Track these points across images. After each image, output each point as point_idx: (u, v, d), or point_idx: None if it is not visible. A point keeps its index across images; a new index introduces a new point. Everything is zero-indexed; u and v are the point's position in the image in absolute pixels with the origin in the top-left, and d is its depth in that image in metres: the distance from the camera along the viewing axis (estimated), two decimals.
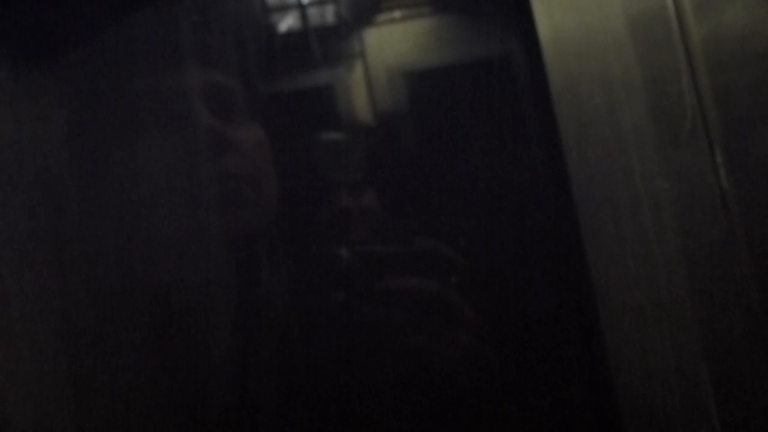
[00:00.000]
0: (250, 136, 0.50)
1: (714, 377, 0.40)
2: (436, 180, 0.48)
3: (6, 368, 0.45)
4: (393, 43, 0.53)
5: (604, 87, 0.41)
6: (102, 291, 0.47)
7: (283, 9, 0.54)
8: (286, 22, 0.53)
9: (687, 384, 0.41)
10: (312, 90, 0.52)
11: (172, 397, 0.47)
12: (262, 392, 0.47)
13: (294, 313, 0.48)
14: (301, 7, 0.54)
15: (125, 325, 0.47)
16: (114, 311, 0.47)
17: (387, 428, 0.47)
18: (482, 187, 0.47)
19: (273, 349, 0.48)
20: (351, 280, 0.47)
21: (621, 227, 0.41)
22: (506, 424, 0.45)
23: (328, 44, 0.53)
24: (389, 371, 0.47)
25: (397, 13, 0.53)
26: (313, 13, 0.54)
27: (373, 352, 0.47)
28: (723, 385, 0.40)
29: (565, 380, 0.45)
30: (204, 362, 0.47)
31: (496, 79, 0.48)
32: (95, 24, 0.51)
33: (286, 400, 0.47)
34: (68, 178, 0.49)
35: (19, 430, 0.45)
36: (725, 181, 0.40)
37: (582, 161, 0.41)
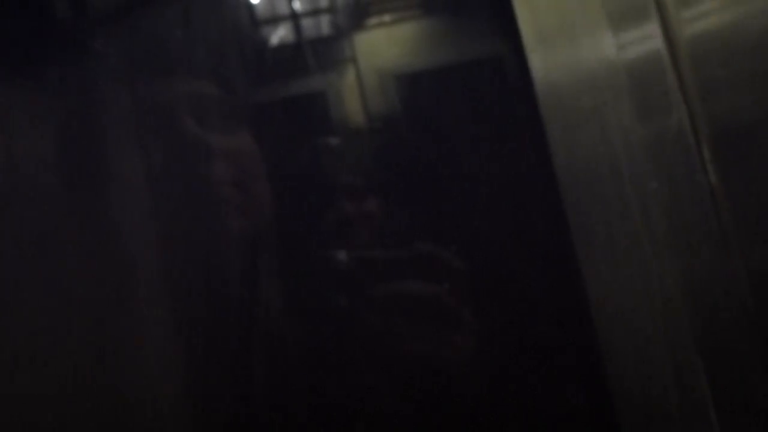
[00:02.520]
0: (240, 144, 0.50)
1: (710, 375, 0.40)
2: (426, 183, 0.48)
3: None
4: (385, 46, 0.53)
5: (589, 88, 0.41)
6: (92, 304, 0.48)
7: (273, 15, 0.54)
8: (277, 29, 0.53)
9: (683, 382, 0.41)
10: (304, 96, 0.52)
11: (171, 405, 0.47)
12: (261, 398, 0.48)
13: (293, 319, 0.49)
14: (292, 14, 0.54)
15: (120, 335, 0.47)
16: (106, 321, 0.48)
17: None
18: (473, 191, 0.47)
19: (272, 355, 0.48)
20: (350, 285, 0.48)
21: (611, 228, 0.41)
22: (505, 427, 0.46)
23: (319, 50, 0.53)
24: (389, 376, 0.47)
25: (386, 17, 0.53)
26: (303, 18, 0.54)
27: (374, 357, 0.48)
28: (719, 383, 0.40)
29: (562, 382, 0.45)
30: (201, 369, 0.47)
31: (483, 81, 0.48)
32: (86, 33, 0.51)
33: (285, 406, 0.47)
34: (58, 187, 0.49)
35: None
36: (714, 178, 0.40)
37: (570, 163, 0.41)
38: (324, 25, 0.54)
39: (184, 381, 0.47)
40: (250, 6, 0.54)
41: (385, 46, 0.53)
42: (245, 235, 0.49)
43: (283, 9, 0.54)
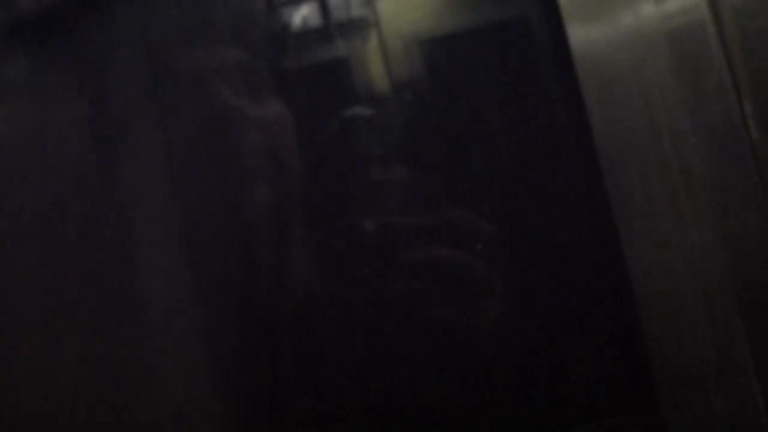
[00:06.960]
0: (268, 112, 0.50)
1: (749, 331, 0.40)
2: (454, 149, 0.48)
3: None
4: (407, 10, 0.52)
5: (626, 43, 0.40)
6: (130, 268, 0.48)
7: None
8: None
9: (723, 344, 0.40)
10: (327, 63, 0.52)
11: (200, 371, 0.47)
12: (290, 365, 0.48)
13: (324, 287, 0.48)
14: None
15: (160, 299, 0.47)
16: (145, 291, 0.48)
17: (416, 400, 0.47)
18: (502, 155, 0.47)
19: (302, 322, 0.48)
20: (379, 252, 0.47)
21: (649, 185, 0.40)
22: (535, 393, 0.45)
23: (341, 16, 0.52)
24: (418, 343, 0.47)
25: None
26: None
27: (403, 324, 0.47)
28: (760, 344, 0.40)
29: (597, 342, 0.45)
30: (231, 338, 0.48)
31: (510, 42, 0.47)
32: (115, 4, 0.51)
33: (314, 373, 0.48)
34: (93, 158, 0.49)
35: None
36: (756, 133, 0.39)
37: (606, 120, 0.40)
38: None
39: (212, 350, 0.47)
40: None
41: (408, 10, 0.52)
42: (275, 203, 0.49)
43: None
